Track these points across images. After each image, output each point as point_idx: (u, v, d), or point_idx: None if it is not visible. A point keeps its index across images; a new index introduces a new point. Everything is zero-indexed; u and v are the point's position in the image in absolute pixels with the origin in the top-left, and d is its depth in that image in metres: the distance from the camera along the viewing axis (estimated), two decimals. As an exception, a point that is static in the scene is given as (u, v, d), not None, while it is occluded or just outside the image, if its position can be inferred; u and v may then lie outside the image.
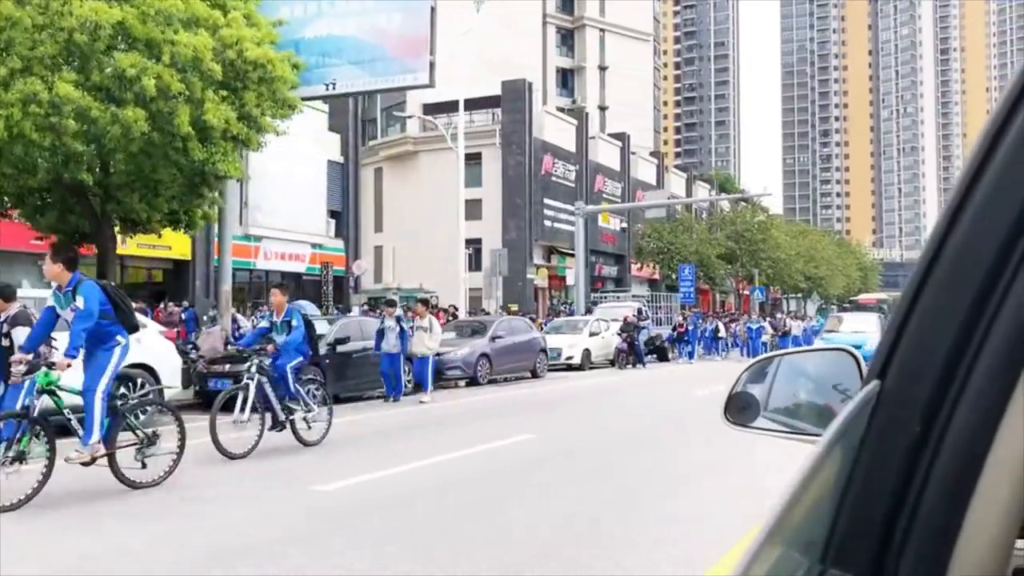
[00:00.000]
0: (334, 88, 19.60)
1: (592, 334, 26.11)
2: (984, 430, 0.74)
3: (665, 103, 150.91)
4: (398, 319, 15.31)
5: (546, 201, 49.00)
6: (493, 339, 19.73)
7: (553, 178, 49.39)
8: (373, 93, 34.11)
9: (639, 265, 51.92)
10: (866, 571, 0.78)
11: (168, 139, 14.43)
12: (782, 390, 1.75)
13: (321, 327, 14.09)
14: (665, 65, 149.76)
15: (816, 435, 1.29)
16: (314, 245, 38.66)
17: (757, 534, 0.84)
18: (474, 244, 49.51)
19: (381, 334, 15.25)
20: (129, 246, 24.01)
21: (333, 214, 40.22)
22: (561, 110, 55.59)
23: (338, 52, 19.43)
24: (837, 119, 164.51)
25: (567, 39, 63.24)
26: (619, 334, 25.96)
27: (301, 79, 17.04)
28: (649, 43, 70.77)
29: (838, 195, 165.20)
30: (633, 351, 26.03)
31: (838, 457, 0.83)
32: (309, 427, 10.15)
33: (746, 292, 54.26)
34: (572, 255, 53.01)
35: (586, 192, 53.20)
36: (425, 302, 17.35)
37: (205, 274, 32.45)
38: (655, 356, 28.90)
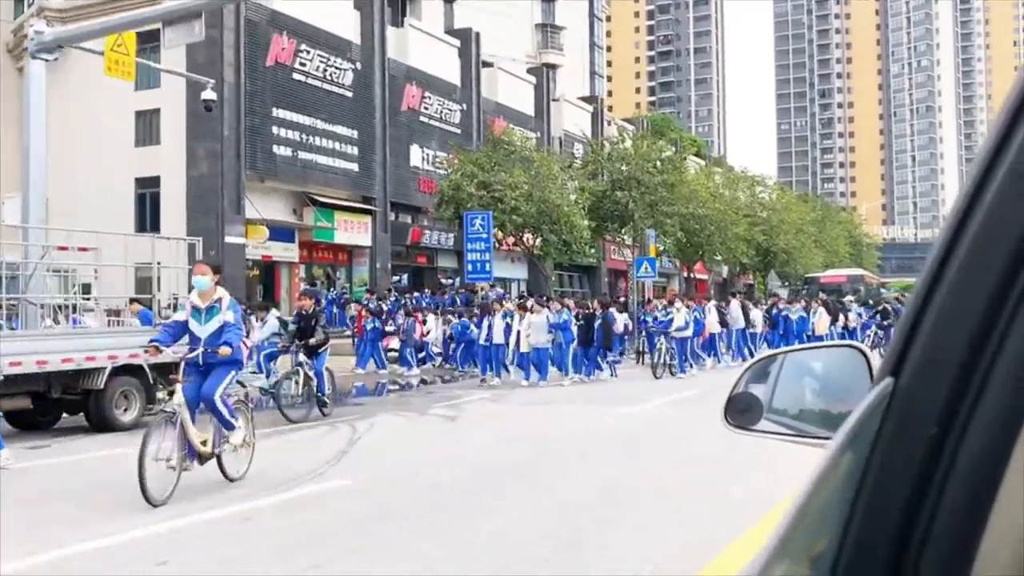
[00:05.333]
0: None
1: None
2: (1006, 432, 0.69)
3: (637, 59, 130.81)
4: None
5: (281, 114, 29.25)
6: None
7: (296, 76, 29.64)
8: None
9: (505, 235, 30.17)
10: None
11: None
12: (786, 390, 1.66)
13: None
14: (636, 15, 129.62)
15: (823, 438, 1.28)
16: None
17: (765, 546, 0.78)
18: (149, 186, 30.01)
19: None
20: None
21: None
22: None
23: None
24: (839, 76, 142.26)
25: None
26: None
27: None
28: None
29: (841, 165, 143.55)
30: None
31: (849, 462, 0.77)
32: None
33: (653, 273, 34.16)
34: (358, 209, 33.30)
35: (386, 106, 33.56)
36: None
37: None
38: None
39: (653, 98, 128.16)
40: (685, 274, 47.26)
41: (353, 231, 32.03)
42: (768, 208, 47.90)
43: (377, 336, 19.95)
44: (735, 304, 23.26)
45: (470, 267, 23.46)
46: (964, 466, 0.70)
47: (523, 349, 16.96)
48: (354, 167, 31.97)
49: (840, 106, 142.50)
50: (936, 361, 0.74)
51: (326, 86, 30.69)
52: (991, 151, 0.73)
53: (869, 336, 25.77)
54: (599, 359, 18.12)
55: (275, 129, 28.66)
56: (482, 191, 27.81)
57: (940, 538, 0.70)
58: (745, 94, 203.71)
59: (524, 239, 30.36)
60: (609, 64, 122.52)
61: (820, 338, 22.37)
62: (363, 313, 21.20)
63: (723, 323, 22.50)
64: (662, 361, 18.09)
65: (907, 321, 0.77)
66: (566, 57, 64.51)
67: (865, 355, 1.35)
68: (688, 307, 18.76)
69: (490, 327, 17.67)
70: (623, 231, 35.78)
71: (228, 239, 26.96)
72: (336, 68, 31.08)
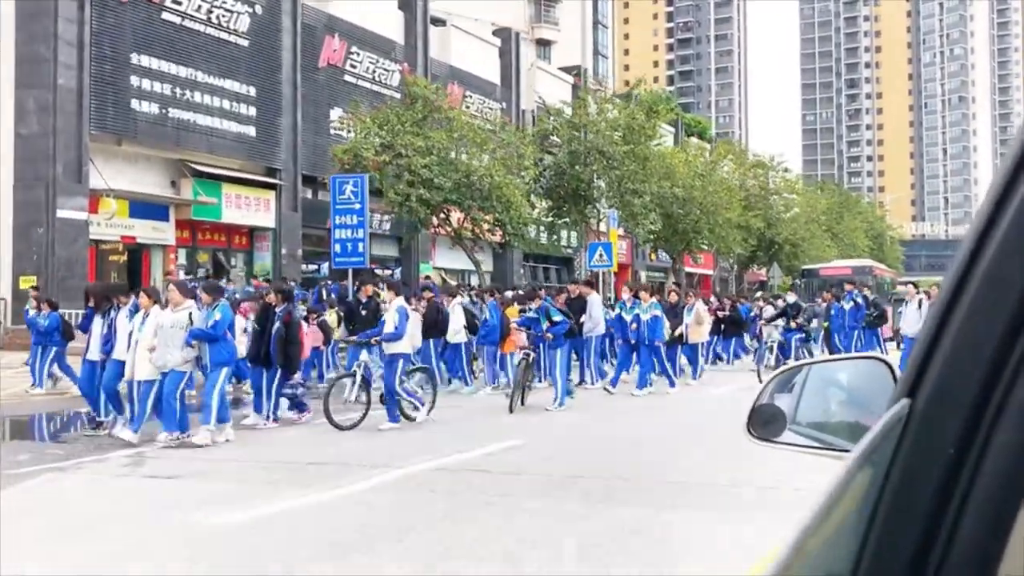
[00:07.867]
0: None
1: None
2: None
3: (656, 47, 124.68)
4: None
5: (143, 61, 23.82)
6: None
7: (168, 16, 24.23)
8: None
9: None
10: None
11: None
12: (811, 402, 1.63)
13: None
14: (655, 0, 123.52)
15: (849, 451, 1.26)
16: None
17: (774, 562, 0.78)
18: (-22, 149, 24.62)
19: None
20: None
21: None
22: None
23: None
24: (868, 65, 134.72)
25: None
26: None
27: None
28: None
29: (869, 158, 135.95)
30: None
31: (865, 482, 0.77)
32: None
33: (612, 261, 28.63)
34: (257, 183, 27.83)
35: (297, 61, 28.08)
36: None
37: None
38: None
39: (672, 87, 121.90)
40: (688, 267, 41.58)
41: (249, 209, 26.55)
42: (772, 193, 41.96)
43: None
44: (594, 300, 15.47)
45: (338, 248, 17.84)
46: (982, 489, 0.68)
47: (141, 376, 8.94)
48: (250, 131, 26.49)
49: (868, 96, 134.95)
50: (953, 383, 0.72)
51: (211, 31, 25.22)
52: (1010, 170, 0.71)
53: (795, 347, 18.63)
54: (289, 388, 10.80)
55: (134, 80, 23.22)
56: (384, 155, 22.23)
57: (958, 560, 0.68)
58: (768, 84, 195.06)
59: (449, 218, 24.76)
60: (626, 53, 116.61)
61: (695, 347, 15.84)
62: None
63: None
64: (352, 396, 10.58)
65: (924, 342, 0.75)
66: (562, 33, 59.01)
67: (891, 367, 1.32)
68: (412, 305, 11.75)
69: (110, 332, 9.62)
70: (586, 212, 29.99)
71: (62, 213, 21.56)
72: (225, 10, 25.61)
